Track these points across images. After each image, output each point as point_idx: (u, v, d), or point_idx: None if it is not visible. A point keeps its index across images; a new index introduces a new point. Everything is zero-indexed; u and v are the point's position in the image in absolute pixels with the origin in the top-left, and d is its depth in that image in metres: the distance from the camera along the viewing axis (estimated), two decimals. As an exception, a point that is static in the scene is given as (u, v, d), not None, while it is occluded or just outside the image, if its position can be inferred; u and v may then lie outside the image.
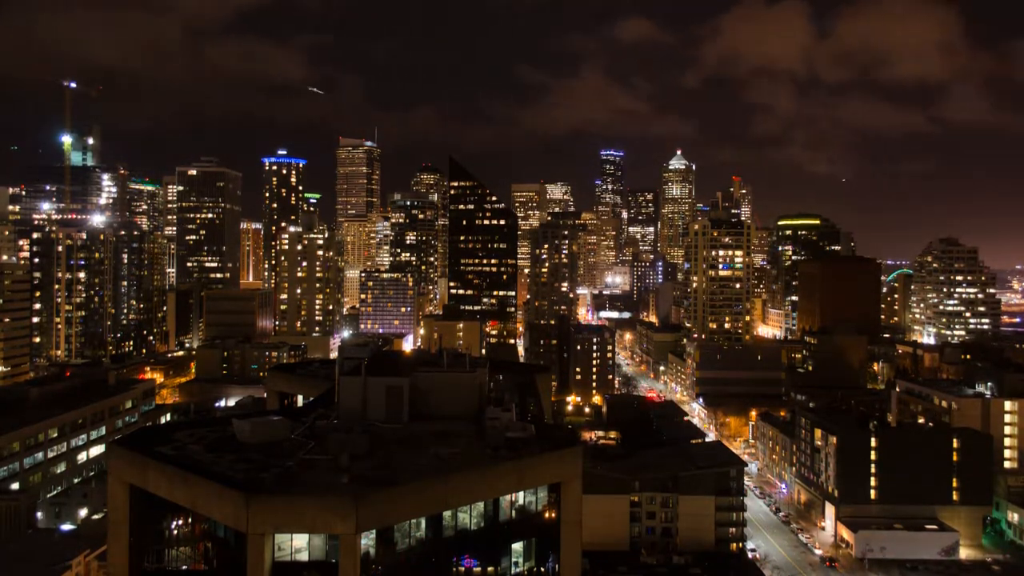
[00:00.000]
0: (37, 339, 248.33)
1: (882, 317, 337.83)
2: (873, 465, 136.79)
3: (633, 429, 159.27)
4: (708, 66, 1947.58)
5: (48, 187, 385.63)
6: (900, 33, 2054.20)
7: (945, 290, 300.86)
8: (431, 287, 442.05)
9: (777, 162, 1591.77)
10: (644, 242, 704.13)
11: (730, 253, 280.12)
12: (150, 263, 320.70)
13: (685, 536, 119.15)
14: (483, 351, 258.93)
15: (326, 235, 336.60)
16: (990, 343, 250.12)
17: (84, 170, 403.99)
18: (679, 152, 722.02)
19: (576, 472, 54.62)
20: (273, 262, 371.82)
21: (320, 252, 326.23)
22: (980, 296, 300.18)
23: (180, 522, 51.86)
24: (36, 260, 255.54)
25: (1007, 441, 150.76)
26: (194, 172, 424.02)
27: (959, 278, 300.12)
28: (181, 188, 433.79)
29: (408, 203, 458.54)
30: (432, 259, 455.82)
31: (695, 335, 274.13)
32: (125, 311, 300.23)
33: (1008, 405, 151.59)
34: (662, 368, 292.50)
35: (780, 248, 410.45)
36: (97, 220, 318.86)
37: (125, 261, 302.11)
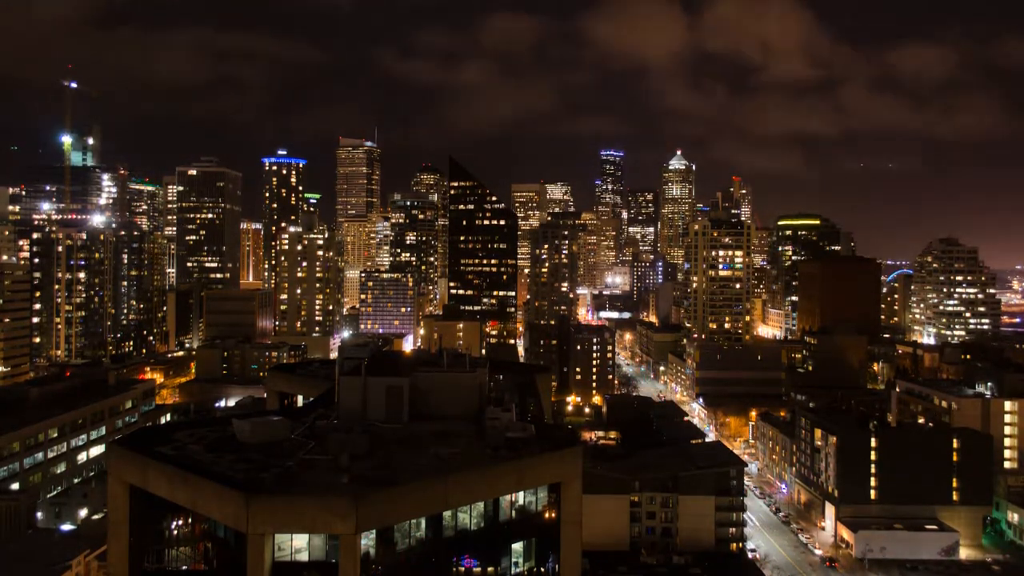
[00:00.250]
0: (37, 339, 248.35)
1: (882, 317, 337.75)
2: (873, 465, 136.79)
3: (633, 429, 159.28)
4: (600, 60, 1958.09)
5: (48, 187, 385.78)
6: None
7: (945, 290, 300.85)
8: (431, 287, 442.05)
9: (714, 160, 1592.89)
10: (644, 242, 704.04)
11: (730, 253, 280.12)
12: (150, 263, 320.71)
13: (685, 536, 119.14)
14: (483, 351, 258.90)
15: (326, 235, 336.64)
16: (990, 343, 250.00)
17: (84, 170, 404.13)
18: (679, 152, 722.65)
19: (576, 472, 54.63)
20: (273, 262, 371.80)
21: (320, 252, 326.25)
22: (980, 296, 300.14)
23: (180, 522, 51.88)
24: (36, 260, 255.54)
25: (1007, 441, 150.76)
26: (194, 172, 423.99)
27: (959, 278, 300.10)
28: (181, 188, 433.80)
29: (408, 203, 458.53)
30: (432, 259, 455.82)
31: (695, 335, 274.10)
32: (125, 311, 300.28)
33: (1008, 405, 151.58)
34: (662, 368, 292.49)
35: (780, 248, 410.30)
36: (97, 220, 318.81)
37: (125, 261, 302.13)
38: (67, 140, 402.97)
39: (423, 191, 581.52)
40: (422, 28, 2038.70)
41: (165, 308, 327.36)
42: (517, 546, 53.48)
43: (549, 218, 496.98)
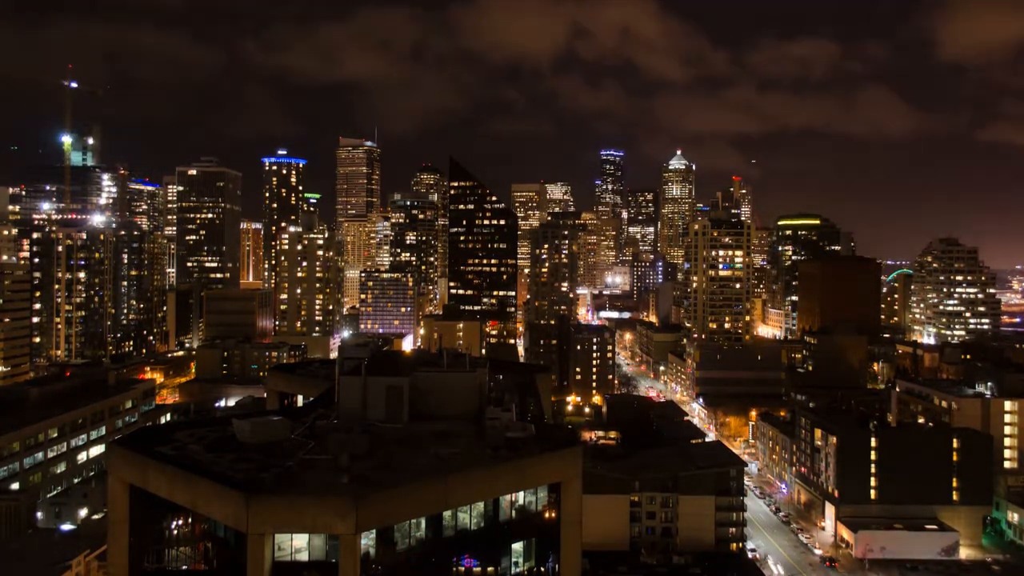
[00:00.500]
0: (37, 339, 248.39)
1: (882, 317, 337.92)
2: (873, 465, 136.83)
3: (633, 429, 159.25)
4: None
5: (48, 187, 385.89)
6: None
7: (945, 290, 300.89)
8: (431, 287, 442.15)
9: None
10: (644, 242, 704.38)
11: (730, 253, 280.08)
12: (150, 263, 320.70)
13: (685, 536, 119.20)
14: (483, 351, 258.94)
15: (326, 235, 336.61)
16: (990, 343, 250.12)
17: (84, 170, 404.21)
18: (679, 152, 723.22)
19: (576, 472, 54.59)
20: (273, 262, 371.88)
21: (320, 252, 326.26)
22: (980, 296, 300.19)
23: (180, 522, 51.85)
24: (36, 260, 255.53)
25: (1007, 441, 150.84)
26: (194, 172, 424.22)
27: (959, 278, 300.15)
28: (181, 188, 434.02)
29: (408, 203, 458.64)
30: (432, 259, 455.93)
31: (695, 335, 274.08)
32: (125, 311, 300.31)
33: (1008, 405, 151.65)
34: (662, 368, 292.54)
35: (780, 248, 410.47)
36: (97, 220, 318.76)
37: (125, 261, 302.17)
38: (67, 140, 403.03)
39: (423, 191, 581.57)
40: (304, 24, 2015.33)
41: (165, 308, 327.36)
42: (517, 546, 53.44)
43: (549, 218, 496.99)
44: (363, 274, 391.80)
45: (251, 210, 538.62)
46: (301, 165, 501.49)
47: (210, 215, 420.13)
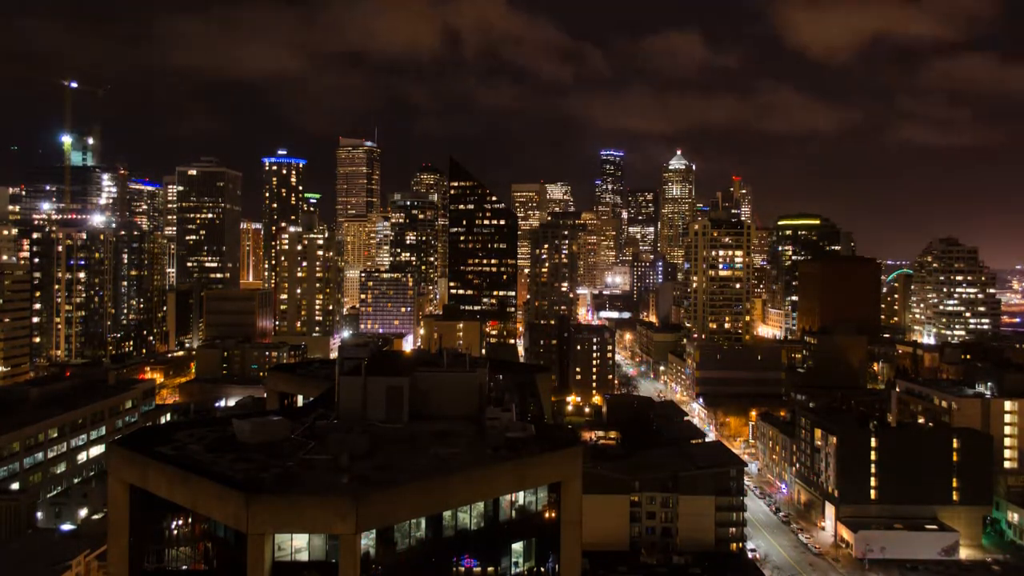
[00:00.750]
0: (37, 339, 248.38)
1: (882, 317, 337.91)
2: (873, 465, 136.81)
3: (633, 429, 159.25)
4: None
5: (48, 187, 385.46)
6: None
7: (945, 290, 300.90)
8: (431, 287, 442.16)
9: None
10: (644, 242, 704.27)
11: (730, 253, 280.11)
12: (150, 263, 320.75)
13: (685, 536, 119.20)
14: (483, 351, 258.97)
15: (326, 235, 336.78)
16: (990, 343, 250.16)
17: (84, 170, 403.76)
18: (679, 152, 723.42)
19: (576, 472, 54.60)
20: (273, 262, 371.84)
21: (320, 252, 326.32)
22: (980, 296, 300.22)
23: (180, 522, 51.84)
24: (36, 260, 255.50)
25: (1007, 441, 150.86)
26: (194, 172, 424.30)
27: (959, 278, 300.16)
28: (181, 188, 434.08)
29: (408, 203, 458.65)
30: (432, 259, 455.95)
31: (695, 335, 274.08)
32: (125, 311, 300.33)
33: (1008, 405, 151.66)
34: (662, 368, 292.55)
35: (780, 248, 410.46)
36: (97, 220, 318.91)
37: (125, 261, 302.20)
38: (67, 140, 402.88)
39: (423, 191, 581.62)
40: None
41: (165, 308, 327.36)
42: (517, 546, 53.44)
43: (549, 218, 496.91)
44: (363, 274, 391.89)
45: (251, 210, 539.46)
46: (301, 165, 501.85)
47: (210, 215, 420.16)
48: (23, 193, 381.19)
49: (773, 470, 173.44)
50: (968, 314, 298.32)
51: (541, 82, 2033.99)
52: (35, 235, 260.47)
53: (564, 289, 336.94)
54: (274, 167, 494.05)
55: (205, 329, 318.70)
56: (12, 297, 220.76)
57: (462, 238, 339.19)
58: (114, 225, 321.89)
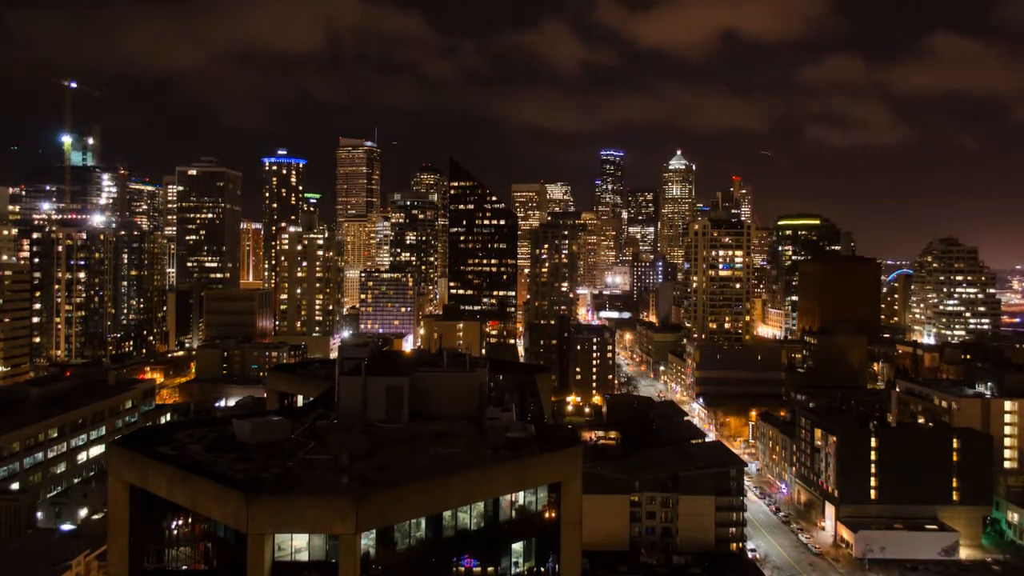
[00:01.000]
0: (37, 339, 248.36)
1: (882, 317, 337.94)
2: (873, 465, 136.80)
3: (633, 429, 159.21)
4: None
5: (48, 187, 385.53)
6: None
7: (945, 290, 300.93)
8: (431, 287, 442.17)
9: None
10: (644, 242, 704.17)
11: (730, 253, 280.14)
12: (150, 263, 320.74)
13: (685, 536, 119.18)
14: (483, 351, 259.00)
15: (326, 235, 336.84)
16: (990, 343, 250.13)
17: (84, 170, 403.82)
18: (679, 152, 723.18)
19: (576, 472, 54.62)
20: (273, 262, 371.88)
21: (320, 252, 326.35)
22: (980, 296, 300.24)
23: (180, 522, 51.85)
24: (36, 260, 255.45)
25: (1007, 441, 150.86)
26: (194, 172, 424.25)
27: (959, 278, 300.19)
28: (181, 188, 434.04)
29: (408, 203, 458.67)
30: (432, 259, 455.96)
31: (695, 335, 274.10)
32: (125, 311, 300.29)
33: (1008, 405, 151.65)
34: (662, 368, 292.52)
35: (780, 248, 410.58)
36: (97, 220, 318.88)
37: (125, 261, 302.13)
38: (67, 140, 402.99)
39: (423, 191, 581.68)
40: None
41: (165, 308, 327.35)
42: (517, 546, 53.45)
43: (549, 218, 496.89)
44: (363, 274, 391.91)
45: (251, 210, 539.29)
46: (301, 165, 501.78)
47: (210, 215, 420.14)
48: (23, 193, 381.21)
49: (773, 470, 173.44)
50: (968, 314, 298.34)
51: (431, 79, 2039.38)
52: (35, 235, 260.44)
53: (564, 289, 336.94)
54: (274, 167, 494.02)
55: (205, 329, 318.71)
56: (12, 297, 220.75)
57: (462, 238, 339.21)
58: (114, 225, 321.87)
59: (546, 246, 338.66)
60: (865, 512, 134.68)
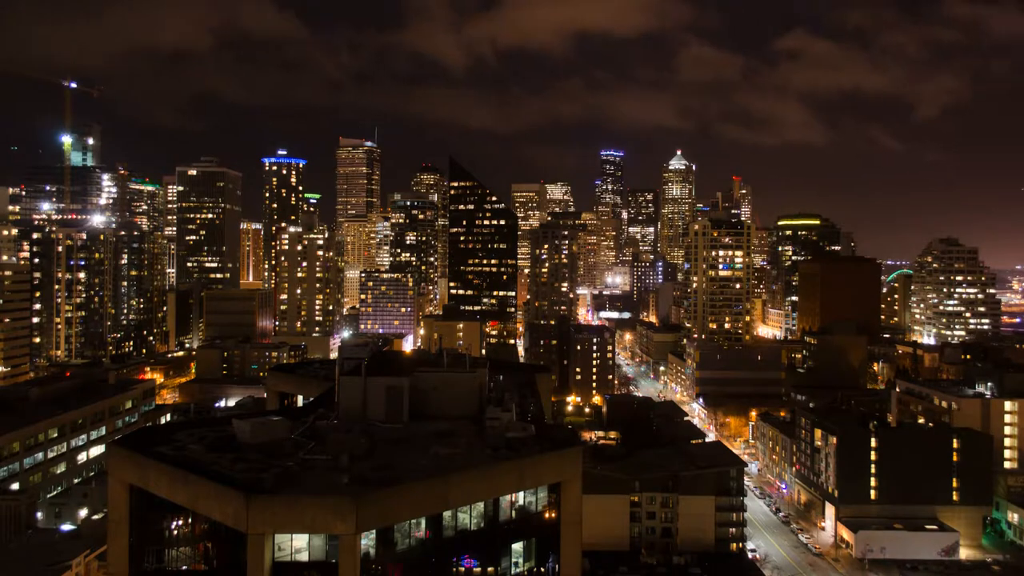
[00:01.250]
0: (37, 339, 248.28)
1: (882, 317, 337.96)
2: (873, 465, 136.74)
3: (633, 429, 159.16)
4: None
5: (48, 187, 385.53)
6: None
7: (945, 290, 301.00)
8: (431, 287, 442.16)
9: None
10: (644, 242, 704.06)
11: (730, 253, 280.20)
12: (150, 263, 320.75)
13: (685, 536, 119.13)
14: (483, 351, 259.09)
15: (326, 235, 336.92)
16: (990, 343, 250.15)
17: (84, 170, 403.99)
18: (679, 152, 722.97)
19: (576, 472, 54.64)
20: (273, 262, 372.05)
21: (320, 252, 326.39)
22: (980, 296, 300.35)
23: (180, 522, 51.86)
24: (36, 260, 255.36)
25: (1007, 441, 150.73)
26: (194, 172, 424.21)
27: (959, 278, 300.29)
28: (181, 188, 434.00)
29: (408, 203, 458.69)
30: (432, 259, 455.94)
31: (695, 335, 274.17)
32: (125, 311, 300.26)
33: (1008, 405, 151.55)
34: (662, 368, 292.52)
35: (780, 248, 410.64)
36: (97, 220, 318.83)
37: (125, 261, 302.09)
38: (67, 140, 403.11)
39: (423, 191, 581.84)
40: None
41: (165, 308, 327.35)
42: (517, 546, 53.47)
43: (549, 218, 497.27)
44: (363, 274, 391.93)
45: (251, 210, 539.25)
46: (301, 165, 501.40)
47: (210, 215, 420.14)
48: (23, 193, 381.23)
49: (773, 470, 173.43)
50: (968, 314, 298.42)
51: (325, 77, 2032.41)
52: (35, 235, 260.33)
53: (564, 289, 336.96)
54: (274, 167, 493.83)
55: (205, 329, 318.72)
56: (12, 297, 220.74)
57: (462, 238, 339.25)
58: (114, 225, 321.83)
59: (546, 246, 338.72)
60: (865, 512, 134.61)
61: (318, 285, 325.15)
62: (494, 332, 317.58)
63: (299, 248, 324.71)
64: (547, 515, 54.28)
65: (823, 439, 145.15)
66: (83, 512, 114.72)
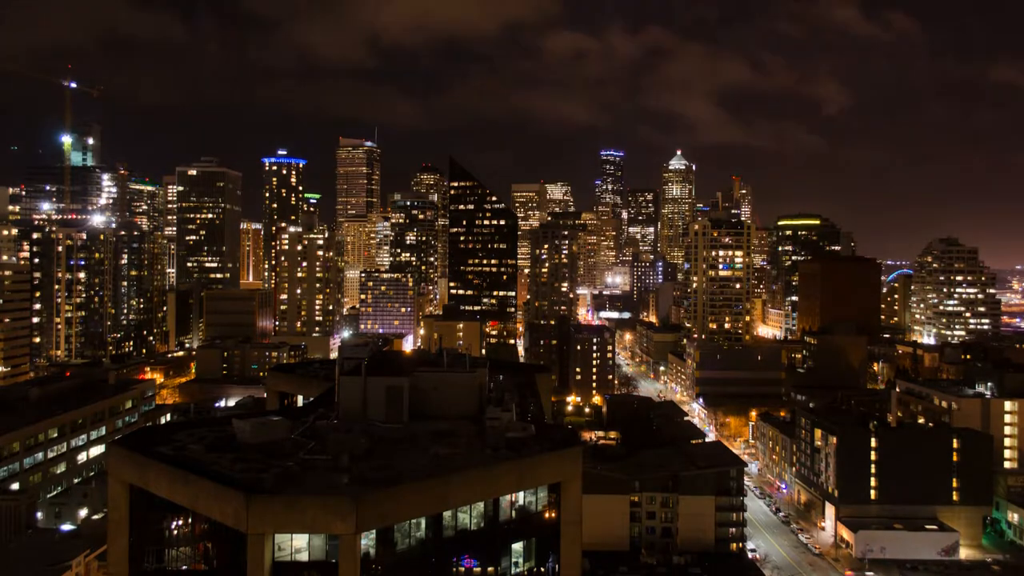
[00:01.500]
0: (37, 339, 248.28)
1: (882, 317, 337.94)
2: (873, 465, 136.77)
3: (633, 429, 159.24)
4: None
5: (48, 187, 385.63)
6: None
7: (945, 290, 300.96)
8: (431, 287, 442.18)
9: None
10: (644, 242, 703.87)
11: (730, 253, 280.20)
12: (150, 263, 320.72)
13: (685, 536, 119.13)
14: (483, 351, 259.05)
15: (326, 235, 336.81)
16: (990, 343, 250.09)
17: (84, 170, 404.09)
18: (679, 152, 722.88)
19: (576, 472, 54.64)
20: (273, 262, 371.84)
21: (320, 252, 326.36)
22: (980, 296, 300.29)
23: (180, 522, 51.86)
24: (36, 260, 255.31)
25: (1007, 441, 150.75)
26: (194, 172, 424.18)
27: (959, 278, 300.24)
28: (181, 188, 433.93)
29: (408, 203, 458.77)
30: (432, 259, 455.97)
31: (695, 335, 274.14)
32: (125, 311, 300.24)
33: (1008, 405, 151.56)
34: (662, 368, 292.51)
35: (780, 248, 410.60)
36: (97, 220, 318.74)
37: (125, 261, 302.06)
38: (67, 140, 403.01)
39: (423, 191, 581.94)
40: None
41: (165, 308, 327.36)
42: (517, 546, 53.48)
43: (549, 218, 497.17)
44: (363, 274, 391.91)
45: (251, 210, 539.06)
46: (301, 165, 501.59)
47: (210, 215, 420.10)
48: (23, 193, 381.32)
49: (773, 470, 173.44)
50: (968, 314, 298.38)
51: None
52: (35, 235, 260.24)
53: (564, 289, 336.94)
54: (274, 167, 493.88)
55: (205, 329, 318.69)
56: (12, 297, 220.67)
57: (462, 238, 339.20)
58: (114, 225, 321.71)
59: (546, 246, 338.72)
60: (865, 512, 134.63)
61: (318, 285, 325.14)
62: (494, 332, 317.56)
63: (299, 248, 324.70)
64: (547, 515, 54.28)
65: (823, 439, 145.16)
66: (83, 512, 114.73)
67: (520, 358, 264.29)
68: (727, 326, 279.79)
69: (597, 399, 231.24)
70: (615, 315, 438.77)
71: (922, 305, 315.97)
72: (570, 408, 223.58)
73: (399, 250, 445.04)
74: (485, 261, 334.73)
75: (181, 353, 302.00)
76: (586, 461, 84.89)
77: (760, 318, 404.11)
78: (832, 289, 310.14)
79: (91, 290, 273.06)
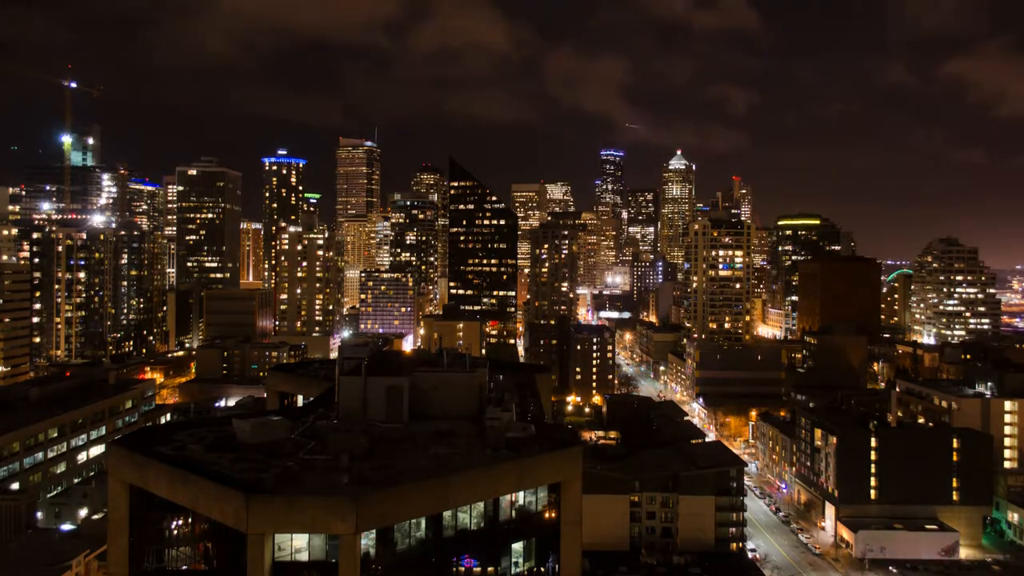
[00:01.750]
0: (37, 339, 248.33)
1: (882, 317, 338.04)
2: (873, 465, 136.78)
3: (633, 429, 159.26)
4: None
5: (48, 187, 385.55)
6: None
7: (945, 290, 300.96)
8: (431, 287, 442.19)
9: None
10: (644, 242, 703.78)
11: (730, 253, 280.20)
12: (150, 263, 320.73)
13: (685, 536, 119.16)
14: (483, 351, 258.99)
15: (326, 235, 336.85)
16: (990, 343, 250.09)
17: (84, 170, 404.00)
18: (679, 152, 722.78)
19: (576, 472, 54.63)
20: (273, 262, 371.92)
21: (320, 252, 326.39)
22: (980, 296, 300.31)
23: (180, 522, 51.85)
24: (36, 260, 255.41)
25: (1007, 441, 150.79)
26: (194, 172, 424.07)
27: (959, 278, 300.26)
28: (181, 188, 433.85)
29: (408, 203, 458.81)
30: (432, 259, 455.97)
31: (695, 335, 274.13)
32: (125, 311, 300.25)
33: (1008, 405, 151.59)
34: (662, 368, 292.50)
35: (780, 248, 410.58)
36: (97, 220, 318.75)
37: (125, 261, 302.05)
38: (67, 140, 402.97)
39: (423, 191, 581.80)
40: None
41: (165, 308, 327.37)
42: (517, 546, 53.46)
43: (549, 218, 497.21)
44: (363, 274, 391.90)
45: (251, 210, 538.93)
46: (301, 165, 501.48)
47: (210, 215, 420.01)
48: (23, 193, 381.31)
49: (773, 470, 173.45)
50: (968, 314, 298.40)
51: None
52: (35, 235, 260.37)
53: (564, 289, 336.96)
54: (274, 167, 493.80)
55: (205, 329, 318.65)
56: (12, 297, 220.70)
57: (462, 238, 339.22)
58: (114, 225, 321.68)
59: (546, 246, 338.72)
60: (865, 512, 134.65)
61: (318, 285, 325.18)
62: (494, 332, 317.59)
63: (299, 248, 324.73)
64: (547, 515, 54.27)
65: (823, 439, 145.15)
66: (83, 512, 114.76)
67: (520, 358, 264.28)
68: (727, 326, 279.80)
69: (597, 399, 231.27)
70: (615, 315, 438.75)
71: (922, 305, 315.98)
72: (570, 408, 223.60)
73: (399, 250, 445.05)
74: (485, 261, 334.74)
75: (181, 353, 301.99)
76: (586, 461, 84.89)
77: (760, 318, 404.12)
78: (832, 289, 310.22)
79: (91, 290, 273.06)
